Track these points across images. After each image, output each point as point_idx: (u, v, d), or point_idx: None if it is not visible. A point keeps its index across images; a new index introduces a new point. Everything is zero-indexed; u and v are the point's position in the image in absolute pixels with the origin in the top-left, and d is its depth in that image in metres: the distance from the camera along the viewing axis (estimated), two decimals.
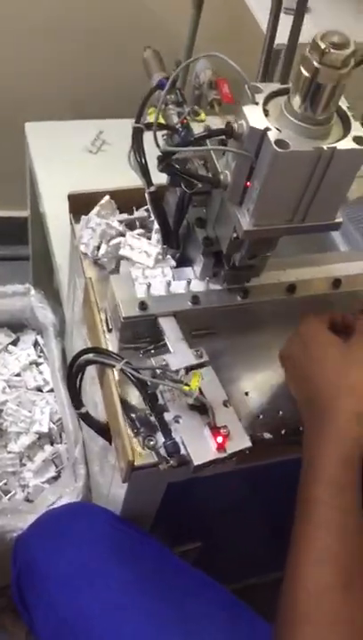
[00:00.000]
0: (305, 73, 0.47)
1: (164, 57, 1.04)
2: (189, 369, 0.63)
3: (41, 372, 1.11)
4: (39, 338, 1.14)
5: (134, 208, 0.78)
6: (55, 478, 0.99)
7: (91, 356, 0.65)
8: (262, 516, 0.95)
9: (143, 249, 0.72)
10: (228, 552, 0.98)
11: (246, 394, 0.68)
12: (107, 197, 0.77)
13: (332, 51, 0.45)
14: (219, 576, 1.07)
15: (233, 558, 1.01)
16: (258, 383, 0.69)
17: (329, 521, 0.49)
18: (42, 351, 1.13)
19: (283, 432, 0.64)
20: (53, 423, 1.04)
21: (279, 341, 0.72)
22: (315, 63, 0.46)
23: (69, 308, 0.98)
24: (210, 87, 1.17)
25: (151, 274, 0.70)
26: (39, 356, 1.13)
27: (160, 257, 0.72)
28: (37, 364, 1.12)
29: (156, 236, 0.74)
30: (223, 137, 0.53)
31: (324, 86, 0.47)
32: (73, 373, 0.66)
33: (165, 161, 0.55)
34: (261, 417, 0.66)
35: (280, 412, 0.66)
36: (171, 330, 0.66)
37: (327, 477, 0.51)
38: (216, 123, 1.19)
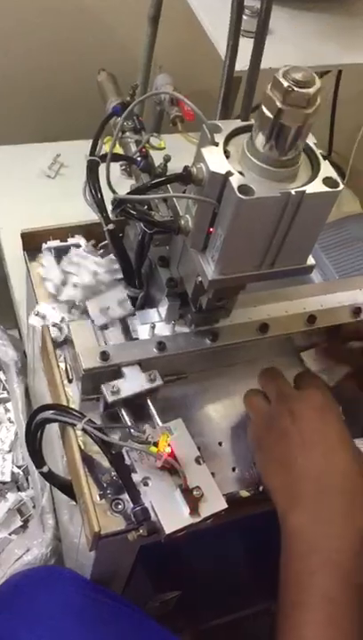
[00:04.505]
0: (268, 113, 0.42)
1: (119, 75, 0.99)
2: (144, 395, 0.59)
3: (8, 410, 1.05)
4: (1, 374, 1.08)
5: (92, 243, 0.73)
6: (22, 527, 0.93)
7: (50, 413, 0.60)
8: (242, 554, 0.91)
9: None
10: (209, 594, 0.93)
11: (220, 444, 0.64)
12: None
13: (296, 89, 0.41)
14: (200, 614, 1.02)
15: (214, 598, 0.97)
16: (232, 431, 0.65)
17: (347, 627, 0.46)
18: (4, 388, 1.07)
19: (261, 489, 0.60)
20: (18, 467, 0.98)
21: (253, 383, 0.68)
22: (278, 103, 0.41)
23: (30, 345, 0.92)
24: (171, 103, 1.12)
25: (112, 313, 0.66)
26: (1, 392, 1.07)
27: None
28: (4, 401, 1.06)
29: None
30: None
31: (289, 127, 0.43)
32: (32, 432, 0.61)
33: (120, 207, 0.50)
34: (236, 470, 0.62)
35: (256, 464, 0.62)
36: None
37: (343, 574, 0.48)
38: (179, 144, 1.15)
